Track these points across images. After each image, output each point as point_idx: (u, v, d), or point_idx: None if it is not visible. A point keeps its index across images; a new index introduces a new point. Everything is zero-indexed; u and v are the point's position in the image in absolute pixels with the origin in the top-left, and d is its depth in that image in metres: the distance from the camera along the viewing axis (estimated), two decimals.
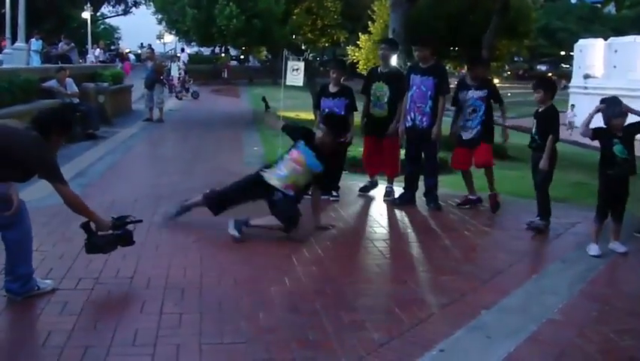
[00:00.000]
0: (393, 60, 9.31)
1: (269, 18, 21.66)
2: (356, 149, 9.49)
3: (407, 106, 8.57)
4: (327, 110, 8.89)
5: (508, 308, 5.19)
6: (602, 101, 6.89)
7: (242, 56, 59.88)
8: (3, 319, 4.67)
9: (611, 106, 6.72)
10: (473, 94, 8.24)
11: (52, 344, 4.25)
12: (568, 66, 58.33)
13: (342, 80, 9.11)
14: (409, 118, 8.56)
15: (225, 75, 45.45)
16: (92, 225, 5.31)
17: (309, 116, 22.50)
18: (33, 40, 24.25)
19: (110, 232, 5.41)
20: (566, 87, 36.60)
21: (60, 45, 24.89)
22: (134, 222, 5.62)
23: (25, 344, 4.27)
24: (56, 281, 5.41)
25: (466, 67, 8.79)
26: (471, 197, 8.55)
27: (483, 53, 16.35)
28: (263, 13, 21.53)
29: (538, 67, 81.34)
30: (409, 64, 10.30)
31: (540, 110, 7.52)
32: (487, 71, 8.84)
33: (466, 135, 8.37)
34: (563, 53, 69.45)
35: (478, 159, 8.32)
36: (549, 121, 7.44)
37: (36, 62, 22.59)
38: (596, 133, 6.72)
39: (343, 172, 9.38)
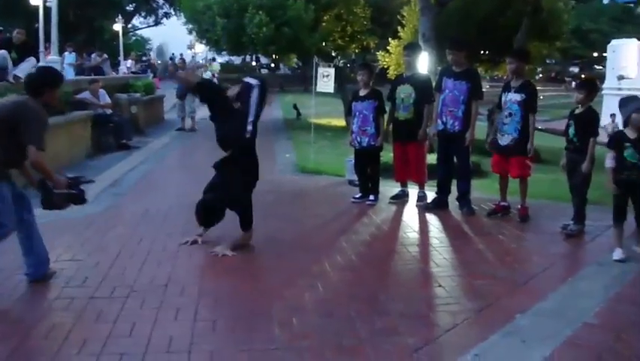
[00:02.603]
0: (423, 64, 9.29)
1: (298, 25, 21.74)
2: (388, 154, 9.48)
3: (438, 110, 8.53)
4: (357, 113, 8.97)
5: (543, 312, 5.13)
6: (621, 100, 6.81)
7: (272, 64, 60.08)
8: (39, 327, 4.72)
9: (630, 102, 6.63)
10: (512, 97, 8.03)
11: (87, 352, 4.29)
12: (601, 67, 57.74)
13: (370, 82, 9.15)
14: (440, 122, 8.52)
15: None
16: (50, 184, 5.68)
17: (341, 122, 22.60)
18: (66, 53, 24.56)
19: (66, 190, 5.64)
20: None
21: (93, 57, 25.17)
22: (86, 183, 5.88)
23: (61, 352, 4.31)
24: (92, 290, 5.48)
25: (507, 62, 8.57)
26: (503, 204, 8.42)
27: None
28: (292, 21, 21.61)
29: (571, 69, 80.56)
30: (439, 68, 10.27)
31: (577, 111, 7.42)
32: (524, 68, 8.57)
33: (502, 141, 8.14)
34: (595, 54, 68.77)
35: (513, 171, 8.16)
36: (589, 123, 7.32)
37: (70, 74, 22.82)
38: (610, 141, 6.63)
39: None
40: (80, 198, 5.84)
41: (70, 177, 5.82)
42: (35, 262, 5.65)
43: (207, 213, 6.90)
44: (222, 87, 6.62)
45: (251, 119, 6.55)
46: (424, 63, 9.36)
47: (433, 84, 8.91)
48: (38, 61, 18.64)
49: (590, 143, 7.17)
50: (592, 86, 7.67)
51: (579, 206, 7.45)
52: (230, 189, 6.70)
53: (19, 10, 36.58)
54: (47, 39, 23.59)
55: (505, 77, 12.77)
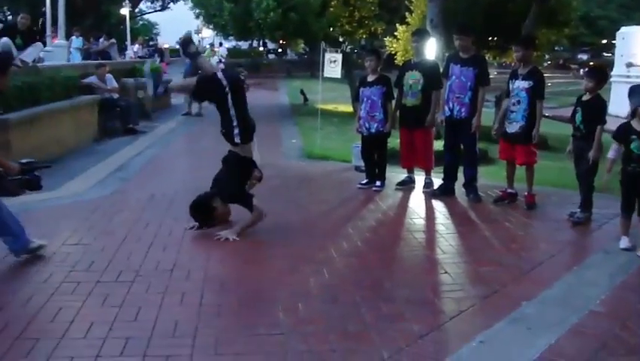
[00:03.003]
0: (431, 50, 9.25)
1: (306, 11, 21.71)
2: (394, 140, 9.46)
3: (445, 96, 8.51)
4: (365, 99, 8.95)
5: (549, 300, 5.13)
6: (630, 89, 6.75)
7: (279, 49, 59.97)
8: (45, 311, 4.74)
9: (637, 94, 6.58)
10: (519, 84, 7.97)
11: (93, 336, 4.31)
12: (610, 55, 57.40)
13: (378, 68, 9.12)
14: (447, 108, 8.49)
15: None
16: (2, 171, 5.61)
17: (348, 108, 22.54)
18: (74, 37, 24.54)
19: (19, 176, 5.63)
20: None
21: (101, 41, 25.16)
22: (41, 167, 5.88)
23: (67, 335, 4.33)
24: (98, 274, 5.49)
25: (514, 49, 8.49)
26: (510, 191, 8.39)
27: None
28: (300, 6, 21.59)
29: (579, 56, 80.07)
30: (446, 54, 10.23)
31: (585, 98, 7.38)
32: (531, 55, 8.48)
33: (510, 129, 8.09)
34: (604, 41, 68.34)
35: (520, 159, 8.12)
36: (597, 110, 7.27)
37: (77, 58, 22.85)
38: (615, 134, 6.58)
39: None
40: (34, 184, 5.82)
41: (24, 162, 5.80)
42: (11, 238, 5.73)
43: (197, 210, 6.89)
44: (219, 83, 6.59)
45: (235, 124, 6.67)
46: (431, 49, 9.30)
47: (441, 70, 8.87)
48: (45, 45, 18.67)
49: (597, 130, 7.14)
50: (602, 74, 7.63)
51: (586, 194, 7.42)
52: (229, 188, 6.79)
53: None
54: (54, 23, 23.60)
55: (513, 64, 12.70)
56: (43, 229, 6.86)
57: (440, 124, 8.94)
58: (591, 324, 4.67)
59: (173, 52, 50.83)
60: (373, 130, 9.01)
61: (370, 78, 9.08)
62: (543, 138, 12.16)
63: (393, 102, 9.07)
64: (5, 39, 13.53)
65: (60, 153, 11.64)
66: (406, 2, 22.79)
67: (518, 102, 7.94)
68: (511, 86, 8.08)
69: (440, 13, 14.82)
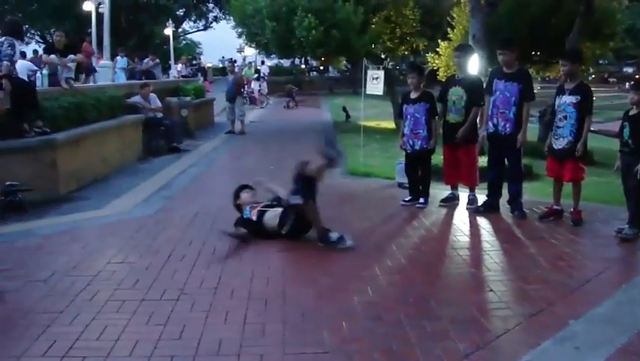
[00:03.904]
0: (474, 65, 9.20)
1: (347, 28, 21.73)
2: (437, 157, 9.41)
3: (489, 111, 8.44)
4: (409, 116, 8.93)
5: (597, 318, 5.04)
6: None
7: (321, 67, 60.21)
8: (91, 328, 4.78)
9: None
10: (566, 99, 7.86)
11: (139, 354, 4.35)
12: None
13: (421, 85, 9.10)
14: (491, 124, 8.42)
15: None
16: None
17: (390, 125, 22.55)
18: (118, 57, 24.99)
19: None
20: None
21: (146, 61, 25.58)
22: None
23: (112, 353, 4.37)
24: (143, 292, 5.55)
25: (560, 64, 8.37)
26: (556, 207, 8.28)
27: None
28: (341, 24, 21.62)
29: (625, 69, 79.06)
30: (489, 69, 10.15)
31: (632, 113, 7.26)
32: (578, 69, 8.36)
33: (557, 145, 7.99)
34: None
35: (568, 175, 7.99)
36: None
37: (121, 78, 23.26)
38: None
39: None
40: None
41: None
42: None
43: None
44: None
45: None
46: (474, 65, 9.23)
47: (484, 86, 8.81)
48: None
49: None
50: None
51: (634, 209, 7.29)
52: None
53: (71, 15, 37.33)
54: (99, 44, 24.07)
55: (558, 78, 12.53)
56: (89, 247, 6.97)
57: (482, 140, 8.85)
58: None
59: (216, 71, 51.39)
60: (417, 147, 8.98)
61: (413, 95, 9.05)
62: (589, 154, 12.01)
63: (437, 118, 9.02)
64: (52, 55, 13.84)
65: (105, 172, 11.81)
66: (448, 18, 22.72)
67: (565, 117, 7.84)
68: (557, 101, 7.99)
69: (482, 28, 14.76)
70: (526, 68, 13.18)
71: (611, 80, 70.86)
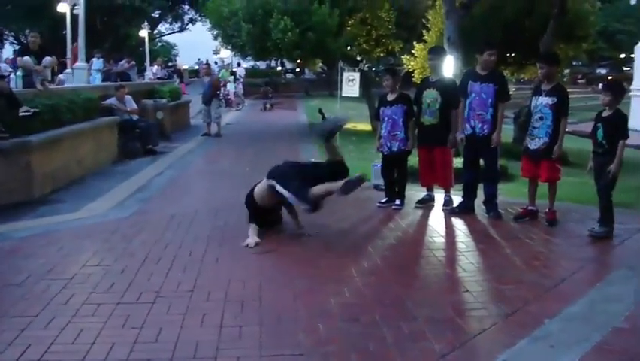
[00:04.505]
0: (449, 67, 9.23)
1: (323, 30, 21.71)
2: (413, 158, 9.44)
3: (465, 114, 8.48)
4: (386, 118, 8.95)
5: (572, 317, 5.08)
6: None
7: (297, 69, 60.18)
8: (66, 332, 4.75)
9: None
10: (543, 100, 7.94)
11: (115, 357, 4.32)
12: (629, 69, 57.14)
13: (397, 86, 9.13)
14: (468, 126, 8.46)
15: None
16: None
17: (367, 127, 22.56)
18: (94, 59, 24.82)
19: None
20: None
21: (121, 63, 25.42)
22: None
23: (88, 357, 4.33)
24: (119, 295, 5.51)
25: (538, 66, 8.42)
26: (530, 208, 8.34)
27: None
28: (317, 26, 21.59)
29: (598, 70, 79.81)
30: (464, 72, 10.20)
31: (605, 114, 7.35)
32: (556, 72, 8.43)
33: (532, 145, 8.07)
34: (622, 55, 68.11)
35: (544, 175, 8.05)
36: (618, 125, 7.28)
37: (97, 80, 23.11)
38: None
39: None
40: None
41: None
42: None
43: None
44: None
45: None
46: (449, 67, 9.27)
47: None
48: (65, 67, 18.88)
49: (619, 145, 7.11)
50: (618, 88, 7.61)
51: (604, 208, 7.38)
52: None
53: (46, 16, 37.00)
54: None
55: (533, 80, 12.59)
56: (64, 250, 6.91)
57: (460, 142, 8.88)
58: (615, 341, 4.61)
59: (191, 73, 51.14)
60: (395, 149, 9.00)
61: (390, 97, 9.07)
62: (564, 154, 12.09)
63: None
64: (27, 57, 13.73)
65: (81, 175, 11.72)
66: (423, 20, 22.81)
67: (541, 118, 7.91)
68: (534, 102, 8.05)
69: (457, 30, 14.82)
70: (500, 69, 13.27)
71: (580, 81, 71.50)
